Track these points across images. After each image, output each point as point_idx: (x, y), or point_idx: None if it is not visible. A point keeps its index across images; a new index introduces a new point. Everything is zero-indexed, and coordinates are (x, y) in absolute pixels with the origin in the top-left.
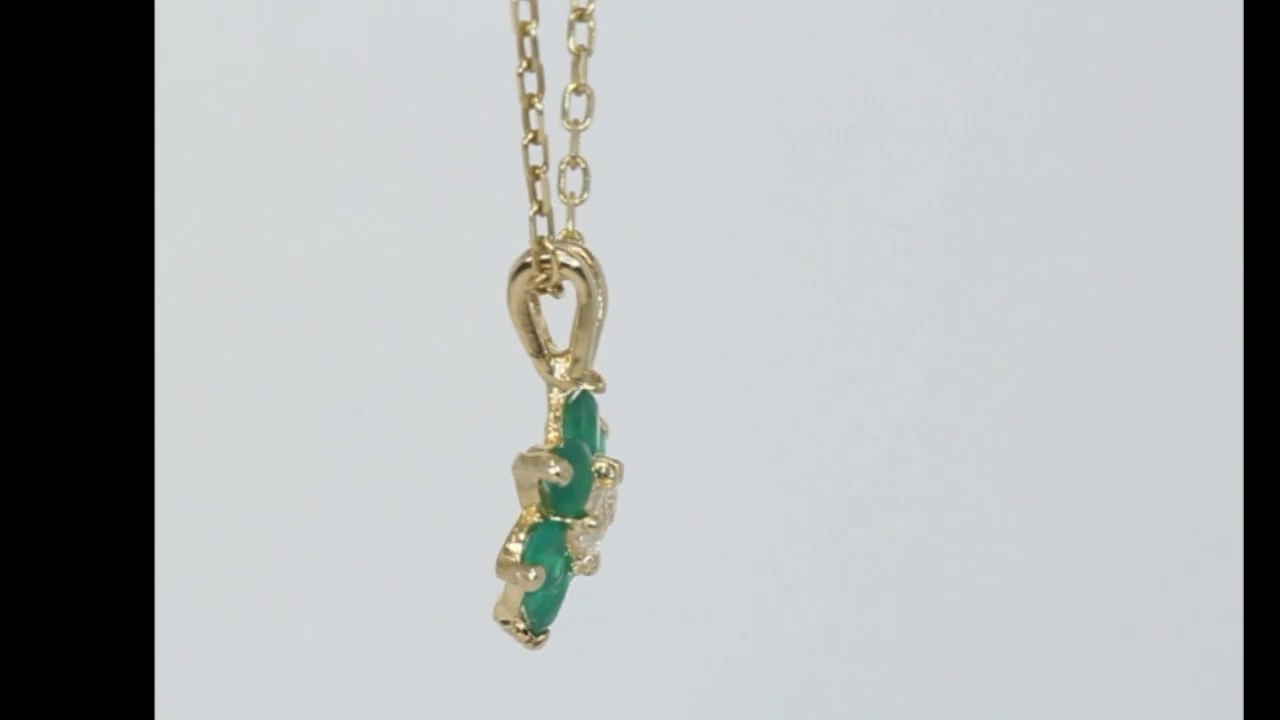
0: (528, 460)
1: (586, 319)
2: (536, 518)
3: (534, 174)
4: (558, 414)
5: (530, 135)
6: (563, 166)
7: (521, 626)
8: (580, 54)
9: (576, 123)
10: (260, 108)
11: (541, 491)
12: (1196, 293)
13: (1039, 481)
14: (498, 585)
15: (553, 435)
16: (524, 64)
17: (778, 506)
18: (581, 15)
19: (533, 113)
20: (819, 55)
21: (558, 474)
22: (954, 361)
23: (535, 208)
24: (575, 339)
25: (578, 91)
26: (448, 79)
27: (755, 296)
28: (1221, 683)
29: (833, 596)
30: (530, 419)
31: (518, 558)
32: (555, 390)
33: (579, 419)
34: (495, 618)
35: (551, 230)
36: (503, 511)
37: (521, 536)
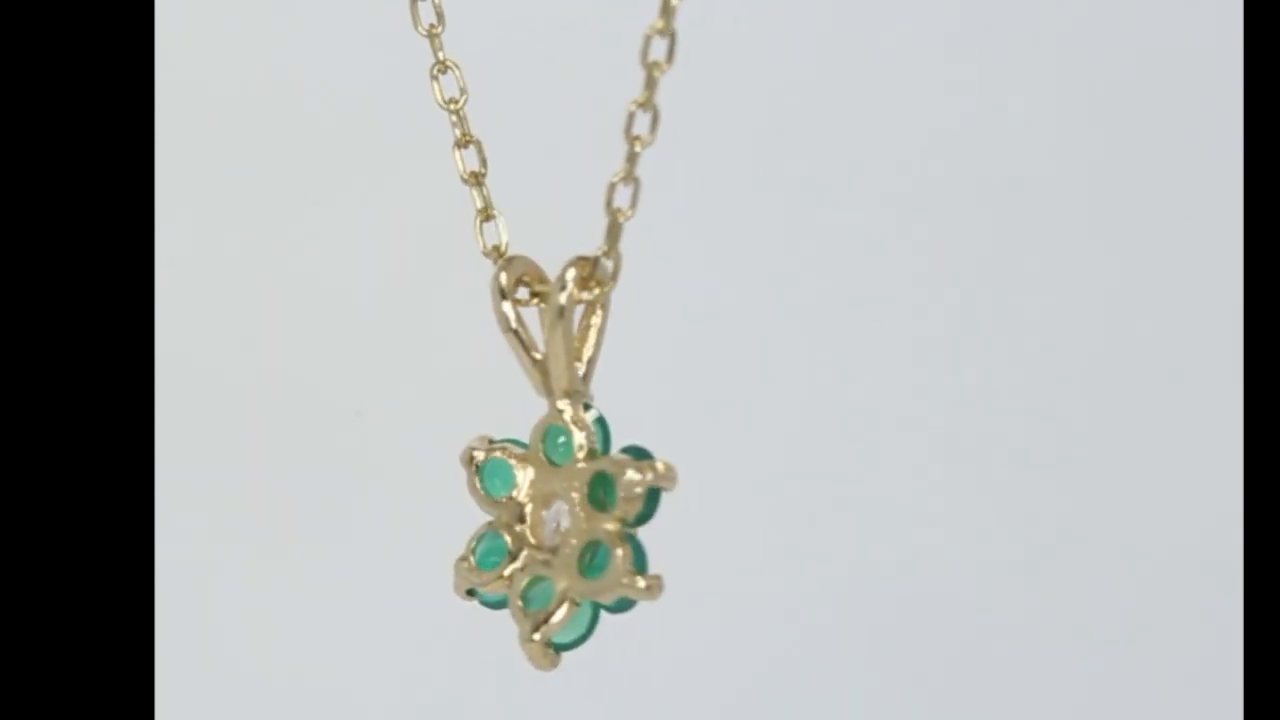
0: (642, 466)
1: (604, 324)
2: (615, 526)
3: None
4: (584, 423)
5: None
6: (615, 180)
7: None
8: (653, 69)
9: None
10: (260, 106)
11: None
12: (1196, 295)
13: (1045, 483)
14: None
15: (591, 444)
16: (439, 67)
17: (772, 516)
18: (662, 30)
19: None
20: (824, 61)
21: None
22: (958, 364)
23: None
24: (596, 346)
25: (644, 108)
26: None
27: (755, 298)
28: (1221, 688)
29: (833, 603)
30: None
31: (630, 568)
32: (564, 401)
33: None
34: (534, 639)
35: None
36: None
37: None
